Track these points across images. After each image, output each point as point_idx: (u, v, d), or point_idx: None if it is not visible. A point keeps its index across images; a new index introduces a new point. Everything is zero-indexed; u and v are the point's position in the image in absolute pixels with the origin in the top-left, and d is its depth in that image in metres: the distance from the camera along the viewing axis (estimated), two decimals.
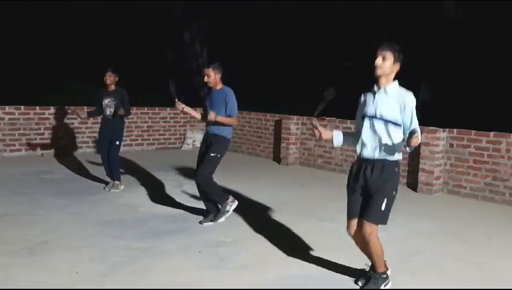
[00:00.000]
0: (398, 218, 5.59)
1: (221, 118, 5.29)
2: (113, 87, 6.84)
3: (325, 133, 3.81)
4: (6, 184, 6.94)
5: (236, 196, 6.33)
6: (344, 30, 16.14)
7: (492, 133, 6.82)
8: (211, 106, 5.42)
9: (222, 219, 5.40)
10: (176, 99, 5.53)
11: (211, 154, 5.32)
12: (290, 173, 8.70)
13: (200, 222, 5.40)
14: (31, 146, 9.31)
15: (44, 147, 9.46)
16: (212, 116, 5.22)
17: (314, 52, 17.09)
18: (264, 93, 14.95)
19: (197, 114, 5.79)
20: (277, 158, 9.67)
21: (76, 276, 3.89)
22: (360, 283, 3.84)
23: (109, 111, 6.80)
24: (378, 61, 3.53)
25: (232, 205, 5.48)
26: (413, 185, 7.46)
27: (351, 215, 3.72)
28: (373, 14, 15.90)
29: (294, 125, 9.37)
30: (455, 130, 7.20)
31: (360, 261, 4.05)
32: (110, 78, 6.80)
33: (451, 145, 7.19)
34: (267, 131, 10.09)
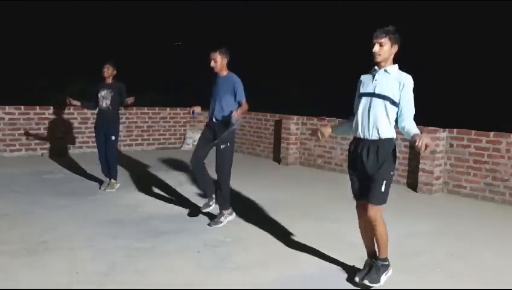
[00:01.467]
0: (398, 218, 5.60)
1: (239, 112, 5.12)
2: (110, 80, 6.81)
3: (326, 131, 3.91)
4: (6, 184, 6.94)
5: (236, 195, 6.34)
6: (344, 30, 16.14)
7: (492, 133, 6.82)
8: (217, 94, 5.29)
9: (217, 225, 5.30)
10: (194, 109, 5.55)
11: (222, 147, 5.20)
12: (290, 173, 8.70)
13: (201, 209, 5.45)
14: (31, 137, 9.24)
15: (44, 147, 9.46)
16: (235, 116, 5.05)
17: (315, 52, 17.09)
18: (264, 93, 14.96)
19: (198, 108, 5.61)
20: (277, 158, 9.67)
21: (76, 276, 3.88)
22: (357, 279, 3.81)
23: (105, 103, 6.74)
24: (376, 48, 3.57)
25: (228, 217, 5.38)
26: (413, 185, 7.46)
27: (355, 197, 3.85)
28: (372, 15, 15.90)
29: (294, 125, 9.37)
30: (455, 130, 7.19)
31: (360, 262, 4.04)
32: (108, 71, 6.75)
33: (451, 145, 7.19)
34: (267, 131, 10.09)
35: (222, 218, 5.36)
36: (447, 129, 7.27)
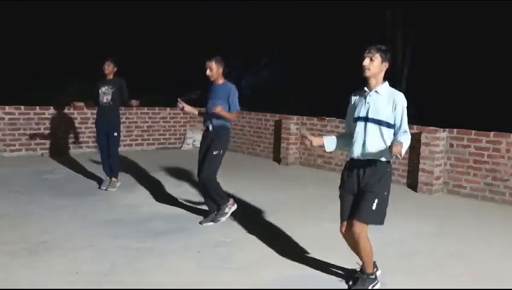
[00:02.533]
0: (398, 218, 5.59)
1: (224, 113, 5.21)
2: (111, 76, 6.82)
3: (316, 140, 3.80)
4: (6, 184, 6.94)
5: (236, 195, 6.34)
6: (343, 30, 16.14)
7: (492, 133, 6.81)
8: (212, 101, 5.33)
9: (221, 220, 5.39)
10: (179, 99, 5.43)
11: (214, 153, 5.28)
12: (290, 173, 8.70)
13: (200, 222, 5.39)
14: (32, 138, 9.26)
15: (44, 147, 9.46)
16: (218, 109, 5.12)
17: (315, 52, 17.09)
18: (264, 93, 14.97)
19: (195, 110, 5.62)
20: (277, 158, 9.67)
21: (76, 276, 3.89)
22: (350, 283, 3.83)
23: (106, 98, 6.74)
24: (366, 62, 3.54)
25: (232, 207, 5.45)
26: (413, 185, 7.46)
27: (343, 218, 3.74)
28: (372, 15, 15.90)
29: (294, 125, 9.36)
30: (455, 130, 7.19)
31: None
32: (109, 68, 6.76)
33: (451, 145, 7.19)
34: (267, 131, 10.09)
35: (226, 209, 5.39)
36: (447, 129, 7.27)
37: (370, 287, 3.72)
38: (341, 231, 3.77)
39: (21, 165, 8.34)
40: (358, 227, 3.55)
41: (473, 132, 6.99)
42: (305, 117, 9.37)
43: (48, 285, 3.69)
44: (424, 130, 7.27)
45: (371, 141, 3.57)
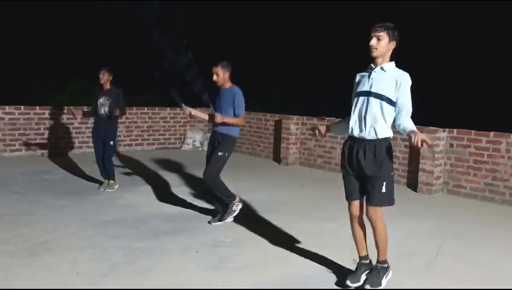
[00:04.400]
0: (398, 218, 5.60)
1: (228, 119, 5.22)
2: (108, 86, 6.82)
3: (322, 128, 3.91)
4: (6, 184, 6.94)
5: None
6: (344, 30, 16.13)
7: (492, 133, 6.82)
8: (219, 106, 5.34)
9: (229, 219, 5.38)
10: (183, 104, 5.36)
11: (219, 154, 5.28)
12: (290, 173, 8.70)
13: (209, 222, 5.39)
14: (30, 145, 9.28)
15: (44, 147, 9.46)
16: (218, 119, 5.15)
17: (314, 52, 17.09)
18: (264, 93, 14.96)
19: (204, 115, 5.51)
20: (277, 158, 9.67)
21: (76, 276, 3.89)
22: (348, 282, 3.77)
23: (103, 110, 6.76)
24: (373, 42, 3.52)
25: (239, 205, 5.45)
26: (413, 185, 7.46)
27: (349, 197, 3.75)
28: (372, 15, 15.91)
29: (294, 125, 9.37)
30: (455, 130, 7.19)
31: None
32: (104, 77, 6.76)
33: (451, 145, 7.19)
34: (267, 131, 10.09)
35: (234, 207, 5.39)
36: (447, 129, 7.27)
37: (384, 279, 3.73)
38: (350, 211, 3.75)
39: (21, 165, 8.34)
40: (373, 212, 3.59)
41: (473, 132, 6.99)
42: (305, 117, 9.38)
43: (47, 285, 3.69)
44: (424, 130, 7.27)
45: (370, 115, 3.54)
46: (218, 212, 5.47)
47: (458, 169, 7.11)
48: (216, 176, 5.31)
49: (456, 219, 5.93)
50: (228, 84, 5.38)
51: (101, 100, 6.79)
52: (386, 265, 3.78)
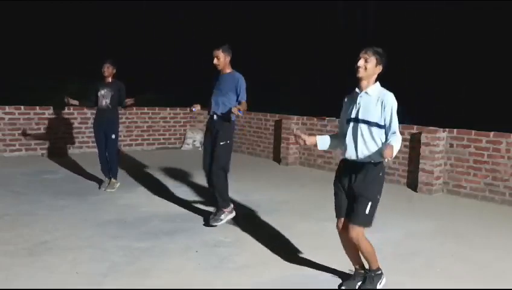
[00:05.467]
0: (398, 218, 5.60)
1: (242, 107, 5.05)
2: (110, 79, 6.81)
3: (309, 139, 3.79)
4: (6, 184, 6.94)
5: (236, 195, 6.33)
6: (344, 30, 16.15)
7: (492, 133, 6.81)
8: (220, 90, 5.25)
9: (214, 224, 5.25)
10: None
11: (221, 143, 5.17)
12: (290, 173, 8.70)
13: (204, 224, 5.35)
14: (29, 137, 9.22)
15: (44, 147, 9.46)
16: (235, 111, 4.98)
17: (314, 52, 17.09)
18: (265, 93, 14.97)
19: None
20: (277, 158, 9.67)
21: (76, 276, 3.89)
22: (343, 287, 3.81)
23: (105, 102, 6.74)
24: (360, 62, 3.54)
25: (229, 215, 5.32)
26: (413, 185, 7.46)
27: (338, 215, 3.77)
28: (372, 14, 15.92)
29: (294, 125, 9.36)
30: (455, 130, 7.19)
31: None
32: (108, 70, 6.75)
33: (451, 145, 7.19)
34: (267, 131, 10.09)
35: (222, 215, 5.29)
36: (447, 129, 7.27)
37: (378, 285, 3.75)
38: (338, 227, 3.79)
39: (21, 165, 8.34)
40: (355, 231, 3.59)
41: (473, 132, 6.99)
42: (305, 117, 9.37)
43: (47, 285, 3.69)
44: (424, 130, 7.27)
45: (362, 141, 3.58)
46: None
47: (458, 169, 7.11)
48: (224, 169, 5.20)
49: (456, 219, 5.93)
50: (228, 69, 5.29)
51: (102, 92, 6.75)
52: (379, 272, 3.79)
